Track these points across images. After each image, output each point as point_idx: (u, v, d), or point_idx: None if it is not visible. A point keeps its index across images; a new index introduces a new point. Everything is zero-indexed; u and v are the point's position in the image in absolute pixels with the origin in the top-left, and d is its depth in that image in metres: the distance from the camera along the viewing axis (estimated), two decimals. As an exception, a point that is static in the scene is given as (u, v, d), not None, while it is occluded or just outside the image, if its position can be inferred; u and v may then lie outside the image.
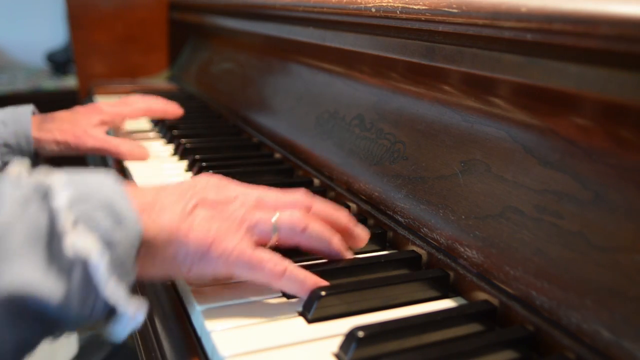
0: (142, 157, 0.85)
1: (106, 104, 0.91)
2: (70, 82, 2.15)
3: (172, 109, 0.98)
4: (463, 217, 0.49)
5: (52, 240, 0.35)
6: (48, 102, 2.08)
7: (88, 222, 0.37)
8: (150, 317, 0.48)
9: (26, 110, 0.84)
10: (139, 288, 0.52)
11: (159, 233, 0.42)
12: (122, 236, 0.38)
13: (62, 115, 0.87)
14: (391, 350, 0.40)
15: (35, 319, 0.35)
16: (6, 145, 0.81)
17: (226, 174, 0.77)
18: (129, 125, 1.05)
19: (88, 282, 0.36)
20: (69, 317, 0.36)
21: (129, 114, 0.92)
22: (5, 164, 0.82)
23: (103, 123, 0.88)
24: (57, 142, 0.83)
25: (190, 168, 0.83)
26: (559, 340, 0.39)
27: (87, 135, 0.84)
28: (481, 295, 0.46)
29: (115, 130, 0.99)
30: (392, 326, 0.41)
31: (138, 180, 0.77)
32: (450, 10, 0.49)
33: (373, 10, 0.61)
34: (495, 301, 0.45)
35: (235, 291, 0.48)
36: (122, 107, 0.92)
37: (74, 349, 0.78)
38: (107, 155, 0.86)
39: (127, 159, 0.84)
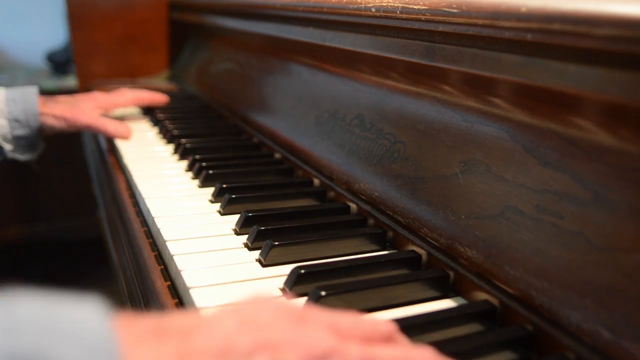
0: (126, 135, 0.98)
1: (102, 94, 1.05)
2: (70, 82, 2.15)
3: (158, 97, 1.14)
4: (463, 217, 0.49)
5: None
6: (48, 102, 2.08)
7: None
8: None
9: (32, 90, 0.96)
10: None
11: None
12: None
13: (63, 98, 1.02)
14: (391, 350, 0.40)
15: None
16: (17, 120, 0.93)
17: (226, 174, 0.77)
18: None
19: None
20: None
21: (121, 103, 1.08)
22: (15, 137, 0.94)
23: (98, 107, 1.02)
24: (56, 116, 0.95)
25: (190, 168, 0.83)
26: (559, 340, 0.39)
27: (83, 113, 0.97)
28: (481, 295, 0.46)
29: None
30: (392, 326, 0.41)
31: (138, 180, 0.77)
32: (450, 10, 0.49)
33: (373, 10, 0.61)
34: (495, 301, 0.45)
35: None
36: (115, 96, 1.07)
37: None
38: (96, 132, 1.00)
39: (112, 136, 0.98)
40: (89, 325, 0.25)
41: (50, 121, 0.95)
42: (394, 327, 0.34)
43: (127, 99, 1.08)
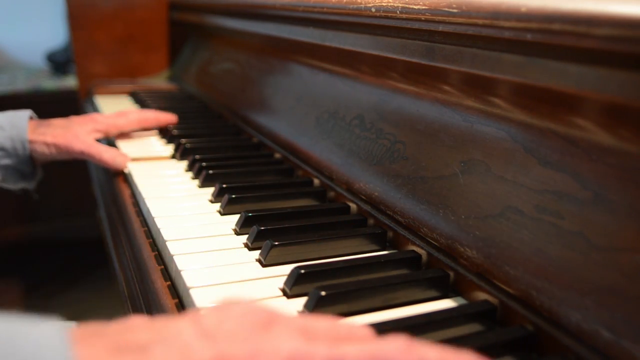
0: (122, 165, 0.85)
1: (102, 115, 0.94)
2: (70, 82, 2.15)
3: (164, 117, 1.02)
4: (463, 217, 0.49)
5: None
6: (48, 102, 2.08)
7: None
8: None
9: (23, 115, 0.86)
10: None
11: None
12: None
13: (57, 121, 0.90)
14: (391, 350, 0.40)
15: None
16: (2, 149, 0.83)
17: (226, 174, 0.77)
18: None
19: None
20: None
21: (124, 125, 0.96)
22: (2, 167, 0.85)
23: (97, 131, 0.90)
24: (47, 144, 0.85)
25: (190, 168, 0.83)
26: (559, 340, 0.39)
27: (77, 139, 0.86)
28: (481, 295, 0.46)
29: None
30: (393, 326, 0.41)
31: (138, 180, 0.77)
32: (450, 10, 0.49)
33: (373, 10, 0.61)
34: (495, 301, 0.45)
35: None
36: (117, 118, 0.95)
37: None
38: (91, 160, 0.87)
39: (108, 166, 0.85)
40: (47, 344, 0.25)
41: (41, 149, 0.85)
42: (371, 332, 0.33)
43: (130, 120, 0.97)
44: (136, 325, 0.29)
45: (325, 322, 0.32)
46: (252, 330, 0.29)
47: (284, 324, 0.31)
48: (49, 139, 0.85)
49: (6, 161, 0.84)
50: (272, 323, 0.30)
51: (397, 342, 0.31)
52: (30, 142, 0.85)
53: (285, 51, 0.96)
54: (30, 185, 0.93)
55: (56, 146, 0.85)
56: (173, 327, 0.29)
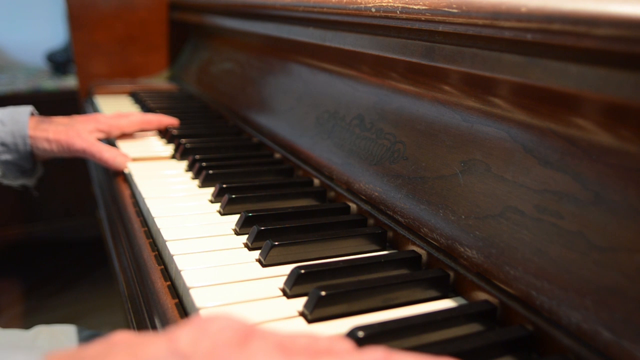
0: (122, 165, 0.84)
1: (104, 116, 0.95)
2: (70, 82, 2.15)
3: (166, 120, 1.02)
4: (463, 217, 0.49)
5: None
6: (48, 102, 2.08)
7: None
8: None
9: (25, 111, 0.87)
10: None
11: None
12: None
13: (60, 119, 0.90)
14: (391, 350, 0.40)
15: None
16: (3, 144, 0.84)
17: (226, 174, 0.77)
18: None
19: None
20: None
21: (126, 126, 0.96)
22: (2, 162, 0.85)
23: (99, 131, 0.91)
24: (49, 140, 0.85)
25: (190, 168, 0.83)
26: (559, 340, 0.39)
27: (79, 137, 0.86)
28: (481, 295, 0.46)
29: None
30: (392, 326, 0.41)
31: (138, 180, 0.77)
32: (450, 10, 0.49)
33: (373, 10, 0.61)
34: (495, 301, 0.45)
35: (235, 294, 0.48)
36: (119, 119, 0.95)
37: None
38: (92, 159, 0.87)
39: (108, 165, 0.85)
40: None
41: (43, 145, 0.85)
42: (350, 345, 0.33)
43: (132, 122, 0.97)
44: (113, 348, 0.29)
45: (304, 337, 0.32)
46: (229, 348, 0.29)
47: (261, 340, 0.30)
48: (51, 135, 0.86)
49: (7, 156, 0.85)
50: (250, 339, 0.30)
51: (376, 354, 0.31)
52: (32, 138, 0.85)
53: (285, 51, 0.96)
54: (30, 181, 0.93)
55: (57, 143, 0.86)
56: (149, 350, 0.29)
